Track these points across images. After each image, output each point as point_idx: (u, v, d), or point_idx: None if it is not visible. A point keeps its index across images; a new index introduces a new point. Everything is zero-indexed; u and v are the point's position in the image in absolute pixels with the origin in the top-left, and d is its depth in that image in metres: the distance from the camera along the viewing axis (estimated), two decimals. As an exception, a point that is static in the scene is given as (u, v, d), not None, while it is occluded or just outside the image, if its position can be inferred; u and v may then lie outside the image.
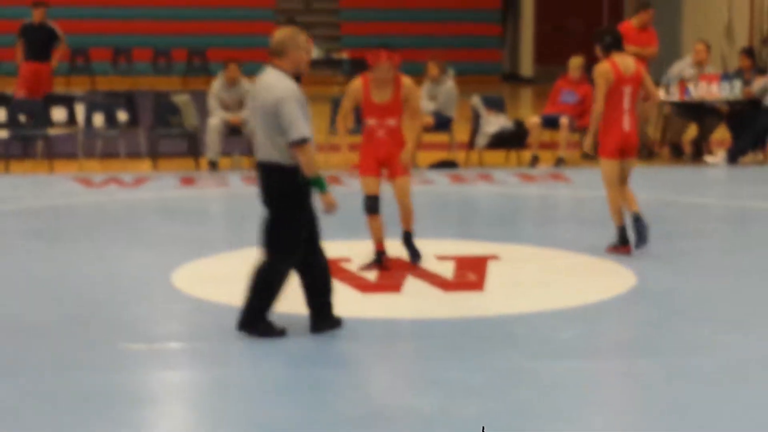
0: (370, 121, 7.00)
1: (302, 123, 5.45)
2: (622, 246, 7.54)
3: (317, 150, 5.89)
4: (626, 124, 7.50)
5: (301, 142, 5.44)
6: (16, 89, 13.47)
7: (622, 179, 7.59)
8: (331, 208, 5.61)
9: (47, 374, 5.17)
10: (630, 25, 12.02)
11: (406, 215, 7.12)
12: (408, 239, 7.20)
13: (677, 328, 5.93)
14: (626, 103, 7.51)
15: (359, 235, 7.45)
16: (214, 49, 19.61)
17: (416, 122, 7.06)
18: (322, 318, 5.71)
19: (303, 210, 5.59)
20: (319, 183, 5.54)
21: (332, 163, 11.44)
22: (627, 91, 7.50)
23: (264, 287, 5.60)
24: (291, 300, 5.82)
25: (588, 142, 7.75)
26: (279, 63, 5.56)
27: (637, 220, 7.44)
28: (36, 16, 13.56)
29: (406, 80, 6.99)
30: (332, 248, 7.61)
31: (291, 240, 5.57)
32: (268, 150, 5.52)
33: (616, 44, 7.60)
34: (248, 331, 5.61)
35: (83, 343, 5.62)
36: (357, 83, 7.03)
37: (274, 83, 5.52)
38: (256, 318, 5.61)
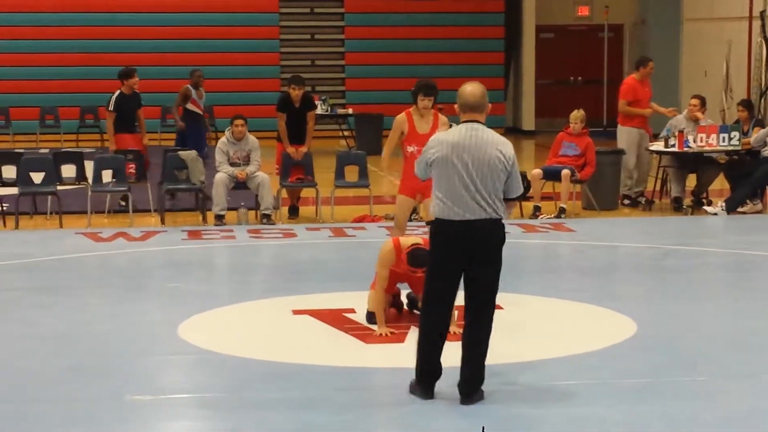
0: (411, 148, 7.89)
1: None
2: None
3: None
4: None
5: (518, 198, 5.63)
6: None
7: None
8: None
9: (55, 427, 5.25)
10: (633, 79, 12.80)
11: None
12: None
13: (677, 376, 6.00)
14: None
15: (365, 287, 7.56)
16: (221, 106, 19.88)
17: None
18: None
19: None
20: None
21: (339, 216, 11.58)
22: None
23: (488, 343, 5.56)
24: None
25: None
26: (480, 117, 5.48)
27: None
28: (131, 85, 12.58)
29: (443, 117, 8.06)
30: (338, 300, 7.75)
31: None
32: (492, 206, 5.40)
33: None
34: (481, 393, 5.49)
35: (90, 396, 5.70)
36: (402, 117, 7.99)
37: (500, 140, 5.46)
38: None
